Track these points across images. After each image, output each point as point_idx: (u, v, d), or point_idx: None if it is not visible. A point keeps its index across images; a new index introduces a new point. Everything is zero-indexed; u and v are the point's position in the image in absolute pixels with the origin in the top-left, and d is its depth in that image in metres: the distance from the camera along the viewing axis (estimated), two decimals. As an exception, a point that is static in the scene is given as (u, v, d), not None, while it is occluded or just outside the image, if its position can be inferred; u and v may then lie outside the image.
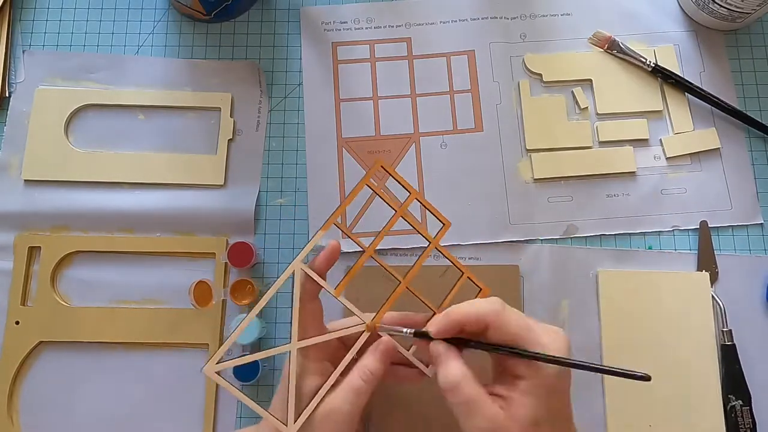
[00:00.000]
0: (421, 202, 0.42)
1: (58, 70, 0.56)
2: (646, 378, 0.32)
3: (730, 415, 0.48)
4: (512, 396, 0.35)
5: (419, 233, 0.42)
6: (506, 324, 0.35)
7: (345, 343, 0.41)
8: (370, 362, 0.39)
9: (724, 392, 0.48)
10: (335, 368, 0.39)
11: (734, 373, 0.49)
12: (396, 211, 0.41)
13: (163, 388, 0.50)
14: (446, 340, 0.37)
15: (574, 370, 0.35)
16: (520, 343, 0.35)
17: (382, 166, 0.41)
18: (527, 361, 0.35)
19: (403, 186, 0.42)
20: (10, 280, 0.52)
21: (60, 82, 0.56)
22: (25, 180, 0.54)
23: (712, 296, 0.50)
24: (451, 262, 0.42)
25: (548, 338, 0.36)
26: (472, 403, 0.34)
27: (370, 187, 0.42)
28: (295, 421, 0.37)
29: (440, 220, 0.42)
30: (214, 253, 0.52)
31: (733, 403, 0.48)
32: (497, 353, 0.36)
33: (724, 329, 0.49)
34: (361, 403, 0.37)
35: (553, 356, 0.35)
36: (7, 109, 0.55)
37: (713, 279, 0.51)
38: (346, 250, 0.52)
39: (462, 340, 0.37)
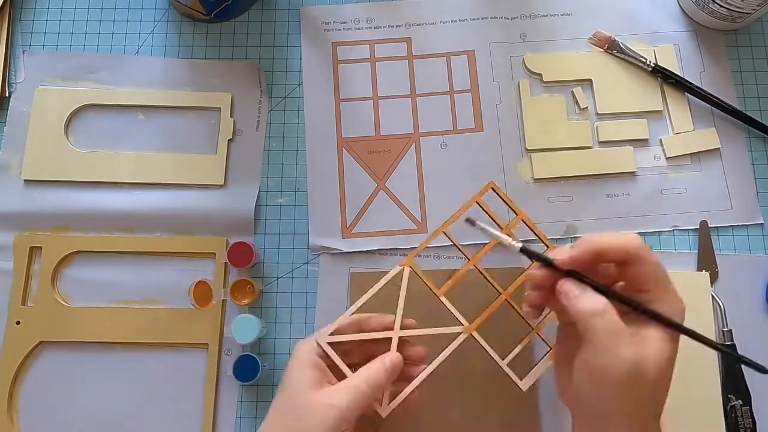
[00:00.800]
0: (527, 224, 0.45)
1: (58, 70, 0.56)
2: (763, 370, 0.32)
3: (730, 414, 0.48)
4: (647, 334, 0.35)
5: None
6: (648, 262, 0.36)
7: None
8: (374, 369, 0.39)
9: (724, 392, 0.48)
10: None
11: (734, 372, 0.49)
12: (502, 228, 0.44)
13: (163, 388, 0.50)
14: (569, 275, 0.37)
15: None
16: (656, 286, 0.36)
17: (492, 188, 0.45)
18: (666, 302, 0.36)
19: (511, 208, 0.46)
20: (10, 280, 0.52)
21: (60, 82, 0.56)
22: (25, 180, 0.54)
23: (712, 296, 0.50)
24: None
25: (674, 296, 0.36)
26: (618, 333, 0.34)
27: (479, 205, 0.45)
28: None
29: (545, 244, 0.46)
30: (214, 253, 0.52)
31: (733, 403, 0.48)
32: (628, 306, 0.36)
33: (724, 329, 0.50)
34: (359, 404, 0.38)
35: (682, 326, 0.35)
36: (7, 109, 0.55)
37: (713, 279, 0.51)
38: (347, 250, 0.52)
39: (585, 279, 0.36)
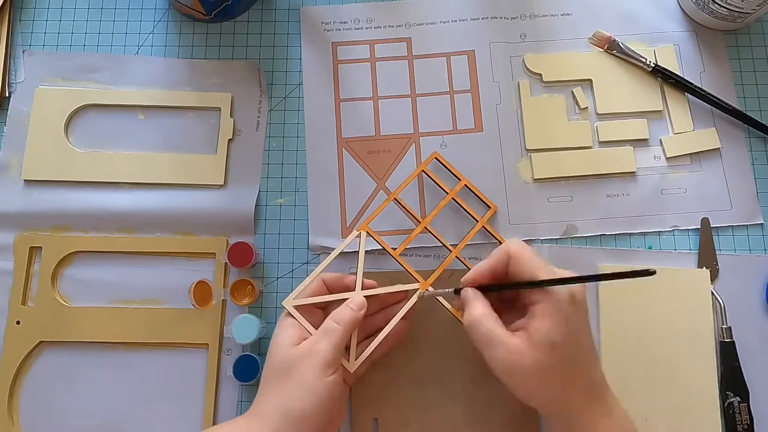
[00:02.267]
0: (469, 188, 0.52)
1: (58, 70, 0.56)
2: (651, 272, 0.32)
3: (728, 411, 0.48)
4: (528, 323, 0.39)
5: (468, 213, 0.51)
6: (524, 255, 0.40)
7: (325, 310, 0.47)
8: (341, 310, 0.44)
9: (723, 389, 0.49)
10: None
11: (733, 369, 0.49)
12: (448, 193, 0.51)
13: (163, 388, 0.51)
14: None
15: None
16: (536, 272, 0.39)
17: (436, 158, 0.52)
18: (539, 289, 0.39)
19: (455, 174, 0.52)
20: (11, 280, 0.52)
21: (60, 82, 0.56)
22: (25, 180, 0.54)
23: (712, 293, 0.50)
24: (494, 237, 0.51)
25: (559, 271, 0.40)
26: (491, 336, 0.39)
27: (426, 173, 0.52)
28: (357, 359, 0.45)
29: (487, 204, 0.52)
30: (214, 253, 0.52)
31: (731, 400, 0.48)
32: (514, 289, 0.42)
33: (724, 326, 0.50)
34: (336, 343, 0.42)
35: (562, 278, 0.38)
36: (7, 109, 0.55)
37: (714, 276, 0.51)
38: (347, 250, 0.52)
39: (485, 287, 0.42)
